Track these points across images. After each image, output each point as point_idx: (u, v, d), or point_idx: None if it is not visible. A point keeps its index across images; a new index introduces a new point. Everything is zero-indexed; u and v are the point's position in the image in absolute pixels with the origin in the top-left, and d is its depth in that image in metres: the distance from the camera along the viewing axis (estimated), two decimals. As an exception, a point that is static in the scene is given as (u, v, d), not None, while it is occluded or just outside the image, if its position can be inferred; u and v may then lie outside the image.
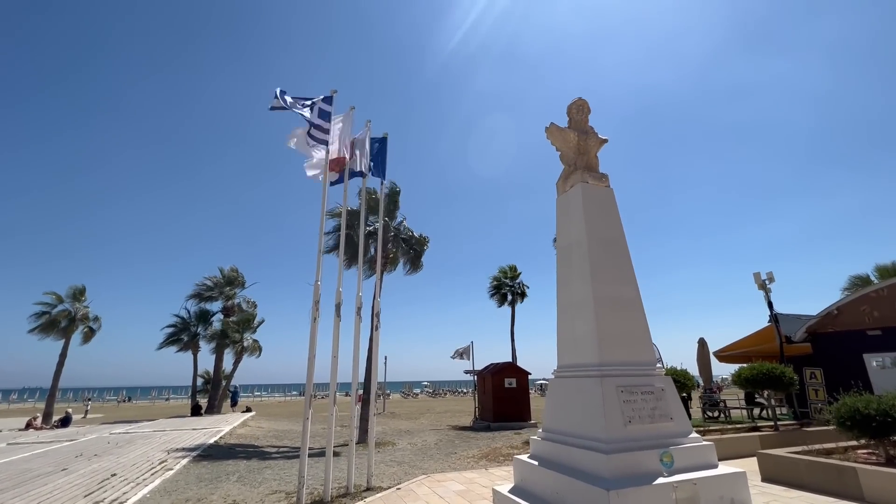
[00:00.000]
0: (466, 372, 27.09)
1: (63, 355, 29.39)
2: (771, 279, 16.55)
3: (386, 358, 38.80)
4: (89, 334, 30.85)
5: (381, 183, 10.36)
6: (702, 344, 22.12)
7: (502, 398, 20.83)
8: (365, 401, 14.83)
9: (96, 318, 31.15)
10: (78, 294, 30.38)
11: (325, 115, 8.72)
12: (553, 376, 6.55)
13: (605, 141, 7.13)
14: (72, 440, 17.15)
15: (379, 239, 10.55)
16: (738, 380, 12.43)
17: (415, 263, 20.50)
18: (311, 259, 8.87)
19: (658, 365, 6.03)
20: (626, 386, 5.46)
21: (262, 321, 32.35)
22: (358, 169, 9.70)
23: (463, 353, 26.18)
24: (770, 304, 16.22)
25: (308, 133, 8.38)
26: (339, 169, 9.21)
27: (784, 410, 17.30)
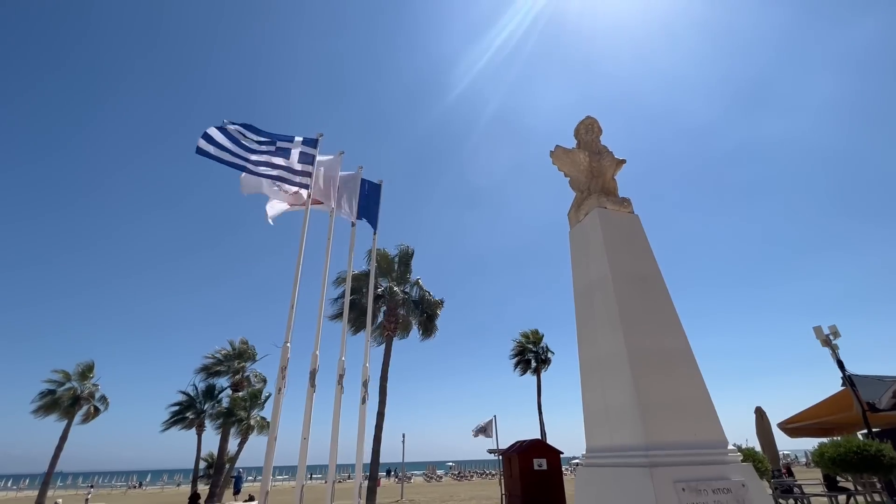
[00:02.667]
0: (490, 451, 24.13)
1: (63, 438, 27.91)
2: (835, 334, 14.23)
3: (404, 436, 35.67)
4: (93, 413, 29.51)
5: (374, 233, 9.34)
6: (760, 414, 19.03)
7: (531, 483, 17.91)
8: (370, 489, 12.65)
9: (103, 398, 29.98)
10: (86, 371, 29.55)
11: (308, 159, 7.96)
12: (582, 462, 4.84)
13: (623, 162, 5.98)
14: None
15: (370, 296, 9.29)
16: (822, 461, 9.96)
17: (428, 328, 18.97)
18: (323, 328, 7.67)
19: (730, 446, 4.29)
20: (688, 480, 3.75)
21: (269, 396, 30.46)
22: (347, 218, 8.75)
23: (484, 430, 23.48)
24: (840, 364, 13.77)
25: (276, 178, 7.54)
26: (317, 205, 8.29)
27: (880, 498, 14.01)
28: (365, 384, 7.94)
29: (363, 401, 7.94)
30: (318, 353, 7.10)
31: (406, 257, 18.40)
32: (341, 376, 7.34)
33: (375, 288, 18.05)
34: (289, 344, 6.53)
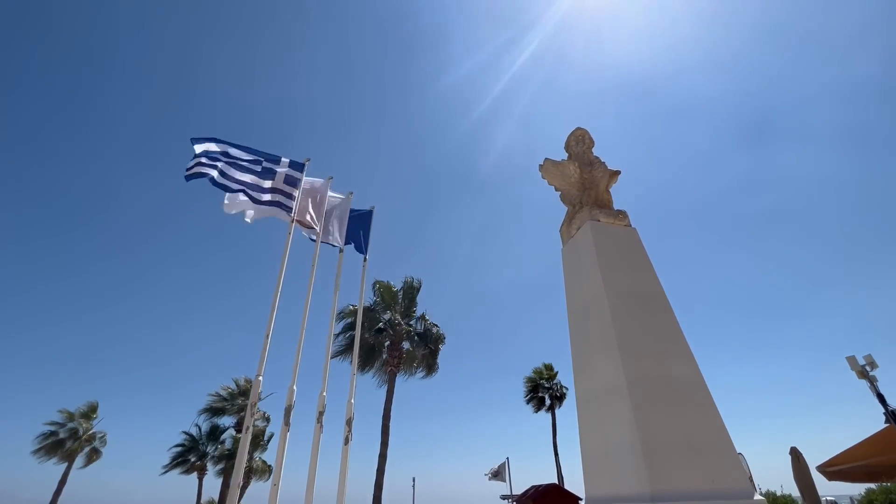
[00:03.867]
0: (504, 497, 22.56)
1: (62, 482, 27.08)
2: (872, 364, 13.06)
3: (414, 480, 33.88)
4: (93, 456, 28.73)
5: (364, 259, 8.93)
6: (796, 456, 17.38)
7: (547, 534, 16.44)
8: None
9: (103, 437, 29.27)
10: (89, 411, 29.04)
11: (293, 181, 7.71)
12: (583, 516, 4.13)
13: (618, 173, 5.53)
14: None
15: (357, 327, 8.76)
16: (871, 510, 8.78)
17: (430, 364, 18.15)
18: (328, 365, 7.14)
19: (758, 496, 3.56)
20: (705, 540, 3.04)
21: (272, 436, 29.36)
22: (337, 244, 8.39)
23: (498, 473, 22.09)
24: (881, 398, 12.53)
25: (255, 200, 7.24)
26: (303, 227, 7.94)
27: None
28: (348, 422, 7.26)
29: (345, 441, 7.26)
30: (294, 387, 6.54)
31: (412, 290, 17.87)
32: (321, 413, 6.73)
33: (376, 321, 17.51)
34: (260, 378, 6.01)
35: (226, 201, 7.09)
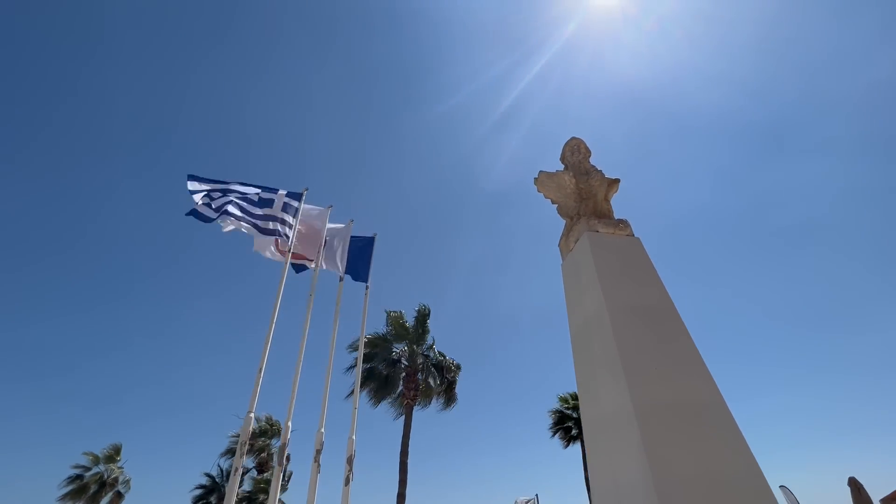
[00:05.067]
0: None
1: (86, 529, 26.85)
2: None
3: (438, 521, 32.38)
4: (116, 500, 28.52)
5: (366, 288, 8.69)
6: (856, 487, 15.73)
7: (581, 582, 15.12)
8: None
9: (127, 481, 29.12)
10: (113, 454, 29.07)
11: (290, 209, 7.65)
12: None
13: (617, 182, 5.21)
14: None
15: (359, 355, 8.44)
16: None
17: (448, 395, 17.51)
18: (326, 400, 6.90)
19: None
20: None
21: (291, 475, 28.59)
22: (337, 272, 8.23)
23: (527, 509, 20.81)
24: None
25: (257, 227, 7.19)
26: (305, 260, 7.82)
27: None
28: (349, 461, 6.82)
29: (346, 481, 6.78)
30: (289, 424, 6.20)
31: (424, 318, 17.48)
32: (318, 452, 6.35)
33: (389, 352, 17.10)
34: (251, 415, 5.71)
35: (225, 226, 7.06)
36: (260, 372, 6.00)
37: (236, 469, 5.31)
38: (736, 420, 3.53)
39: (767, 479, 3.25)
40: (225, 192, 7.31)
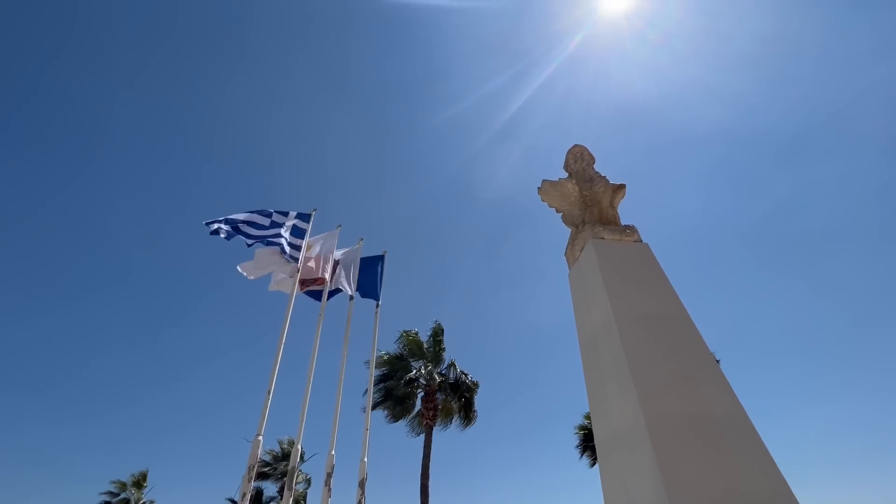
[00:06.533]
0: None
1: (113, 558, 26.97)
2: None
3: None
4: (144, 528, 28.65)
5: (377, 305, 8.64)
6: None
7: None
8: None
9: (153, 507, 29.27)
10: (140, 480, 29.34)
11: (299, 233, 7.72)
12: None
13: (622, 187, 5.07)
14: None
15: (371, 373, 8.32)
16: None
17: (467, 414, 17.14)
18: (336, 421, 6.84)
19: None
20: None
21: (305, 497, 28.21)
22: (346, 291, 8.21)
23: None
24: None
25: (282, 252, 7.27)
26: (316, 285, 7.82)
27: None
28: (361, 484, 6.62)
29: (358, 506, 6.57)
30: (298, 447, 6.10)
31: (439, 336, 17.29)
32: (329, 475, 6.21)
33: (406, 370, 16.89)
34: (260, 438, 5.65)
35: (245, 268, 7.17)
36: (269, 394, 5.95)
37: (244, 494, 5.22)
38: (761, 435, 3.28)
39: (800, 500, 2.99)
40: (236, 222, 7.43)
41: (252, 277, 7.40)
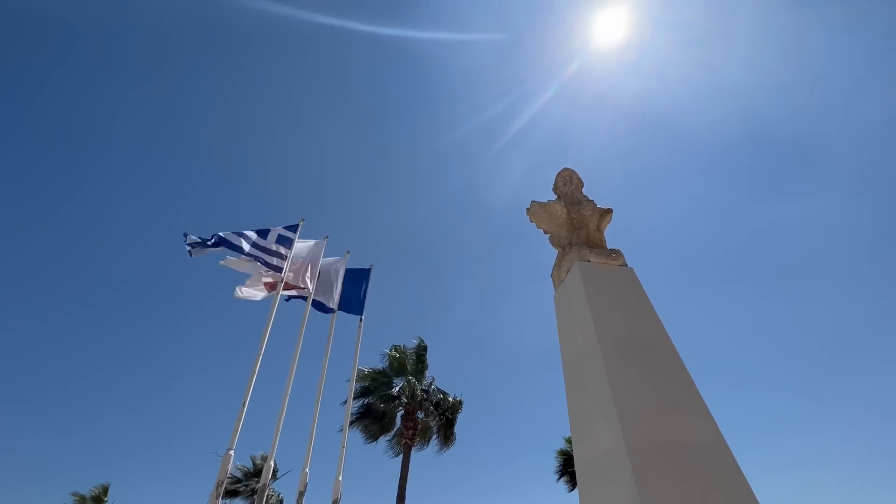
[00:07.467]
0: None
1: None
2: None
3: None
4: (101, 546, 27.18)
5: (360, 319, 8.52)
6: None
7: None
8: None
9: (114, 526, 27.83)
10: (101, 494, 27.99)
11: (285, 241, 7.62)
12: None
13: (609, 212, 5.14)
14: None
15: (350, 389, 8.15)
16: None
17: (447, 434, 16.87)
18: (312, 438, 6.64)
19: None
20: None
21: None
22: (327, 304, 8.10)
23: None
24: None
25: (257, 259, 7.13)
26: (297, 291, 7.69)
27: None
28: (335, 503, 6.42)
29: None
30: (271, 464, 5.90)
31: (421, 351, 17.13)
32: (301, 494, 6.00)
33: (388, 386, 16.63)
34: (231, 452, 5.44)
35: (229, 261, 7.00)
36: (243, 407, 5.76)
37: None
38: (740, 465, 3.28)
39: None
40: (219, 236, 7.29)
41: (239, 269, 7.20)
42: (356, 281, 8.73)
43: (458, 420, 16.88)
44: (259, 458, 31.21)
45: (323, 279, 8.27)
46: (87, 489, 27.97)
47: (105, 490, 28.65)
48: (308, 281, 7.81)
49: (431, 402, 17.19)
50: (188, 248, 6.58)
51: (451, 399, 17.14)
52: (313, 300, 7.85)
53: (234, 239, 6.96)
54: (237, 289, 7.40)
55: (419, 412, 16.99)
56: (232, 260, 7.13)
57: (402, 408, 17.35)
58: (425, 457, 17.51)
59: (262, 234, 7.47)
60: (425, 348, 17.24)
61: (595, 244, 4.80)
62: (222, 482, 5.21)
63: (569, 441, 27.25)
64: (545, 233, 5.33)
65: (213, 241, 6.90)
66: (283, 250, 7.46)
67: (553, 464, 27.59)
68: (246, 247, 6.99)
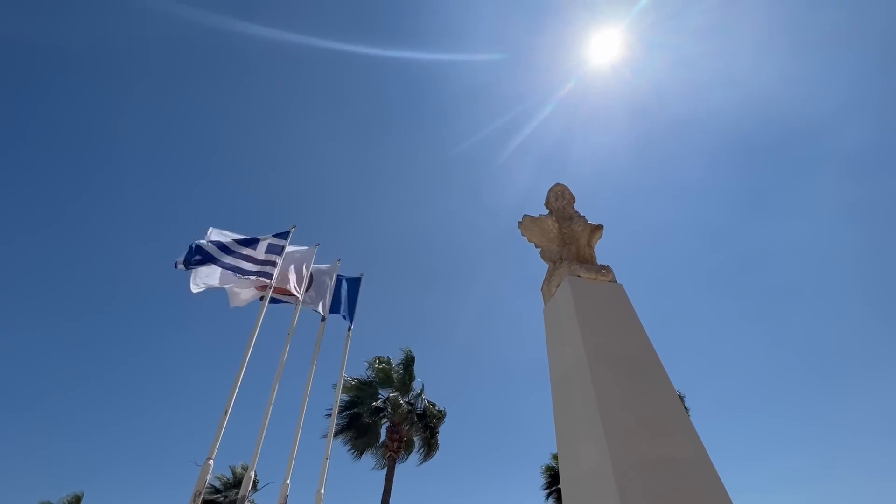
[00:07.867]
0: None
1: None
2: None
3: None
4: (71, 558, 26.18)
5: (349, 328, 8.44)
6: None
7: None
8: None
9: (85, 536, 26.86)
10: (74, 502, 27.06)
11: (275, 249, 7.57)
12: None
13: (600, 228, 5.20)
14: None
15: (336, 399, 8.03)
16: None
17: (429, 444, 16.66)
18: (295, 448, 6.51)
19: None
20: None
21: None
22: (318, 312, 8.02)
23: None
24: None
25: (238, 271, 7.05)
26: (285, 295, 7.62)
27: None
28: (316, 520, 6.26)
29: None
30: (251, 474, 5.77)
31: (408, 362, 16.99)
32: (282, 505, 5.86)
33: (374, 398, 16.43)
34: (210, 462, 5.31)
35: (198, 283, 6.88)
36: (226, 415, 5.64)
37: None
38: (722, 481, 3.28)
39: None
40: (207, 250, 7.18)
41: (217, 285, 7.07)
42: (346, 289, 8.67)
43: (440, 430, 16.70)
44: (240, 468, 30.50)
45: (314, 286, 8.20)
46: (59, 498, 27.07)
47: (78, 499, 27.72)
48: (297, 288, 7.74)
49: (416, 413, 17.01)
50: (179, 266, 6.52)
51: (436, 409, 16.98)
52: (304, 307, 7.78)
53: (216, 254, 6.88)
54: (230, 296, 7.30)
55: (405, 424, 16.78)
56: (206, 284, 6.96)
57: (388, 420, 17.14)
58: (408, 468, 17.25)
59: (251, 243, 7.39)
60: (413, 360, 17.11)
61: (585, 259, 4.84)
62: (200, 492, 5.07)
63: (555, 457, 27.04)
64: (536, 247, 5.37)
65: (197, 258, 6.81)
66: (273, 258, 7.39)
67: (540, 480, 27.27)
68: (229, 261, 6.92)
